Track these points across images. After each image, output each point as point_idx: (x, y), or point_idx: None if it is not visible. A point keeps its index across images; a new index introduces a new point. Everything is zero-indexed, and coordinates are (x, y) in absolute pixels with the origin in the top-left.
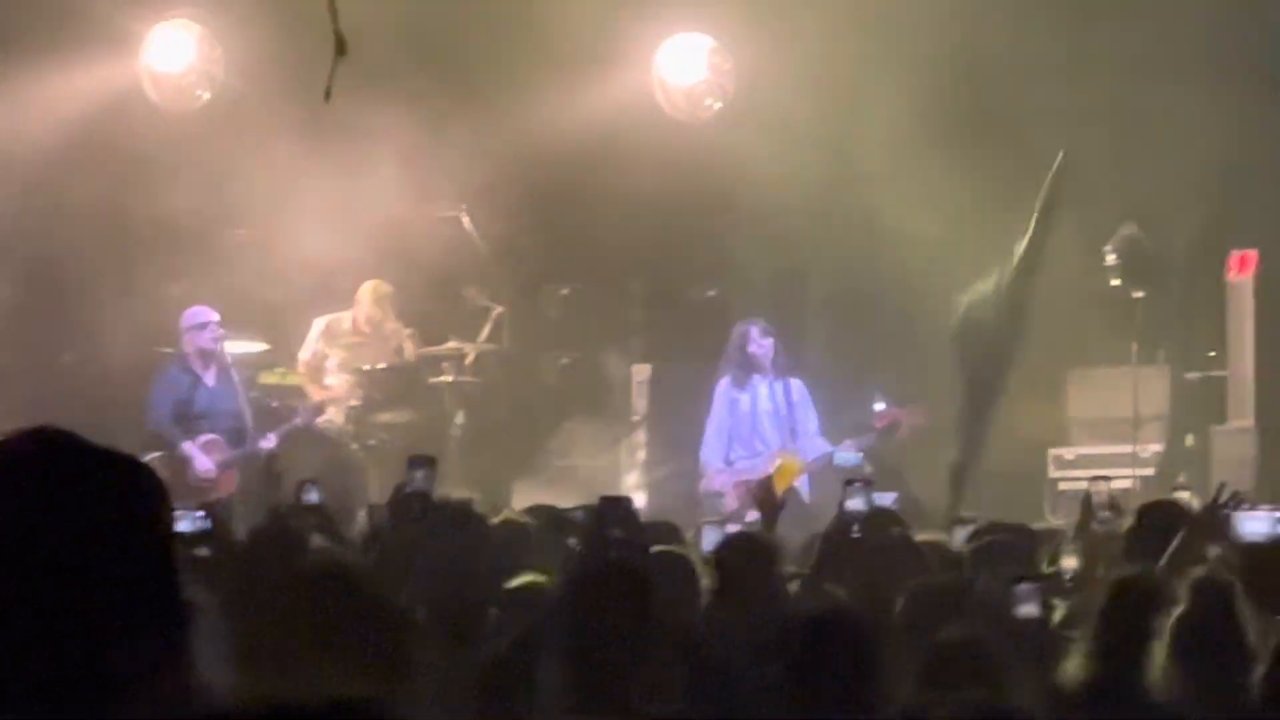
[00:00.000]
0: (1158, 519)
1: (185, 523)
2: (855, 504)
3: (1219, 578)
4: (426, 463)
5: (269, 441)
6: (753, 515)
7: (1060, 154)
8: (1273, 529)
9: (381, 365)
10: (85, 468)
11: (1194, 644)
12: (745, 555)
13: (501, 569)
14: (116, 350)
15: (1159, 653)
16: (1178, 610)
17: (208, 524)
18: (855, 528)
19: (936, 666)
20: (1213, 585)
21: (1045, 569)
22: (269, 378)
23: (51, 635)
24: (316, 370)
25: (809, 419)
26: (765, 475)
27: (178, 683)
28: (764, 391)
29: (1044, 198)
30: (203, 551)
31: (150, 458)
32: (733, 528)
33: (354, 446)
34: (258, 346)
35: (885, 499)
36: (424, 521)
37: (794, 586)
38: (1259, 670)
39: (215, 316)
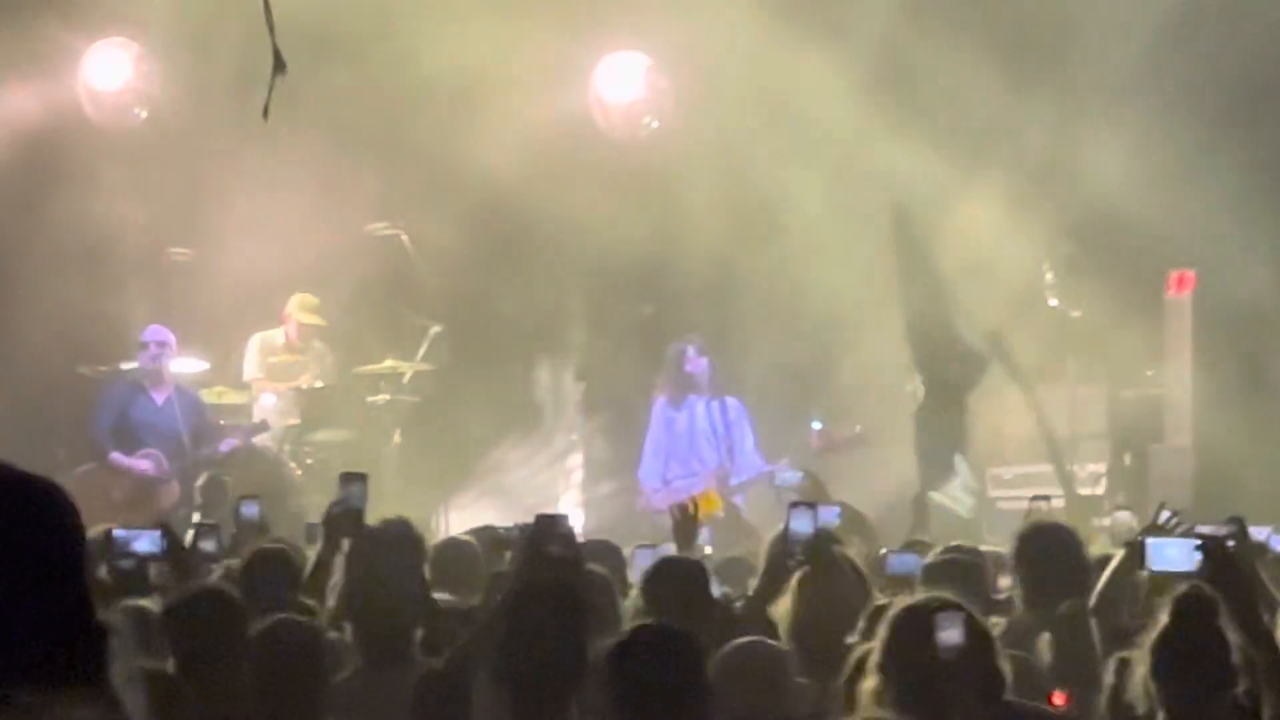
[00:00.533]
0: (1040, 543)
1: (144, 542)
2: (800, 526)
3: (1202, 594)
4: (359, 479)
5: (226, 446)
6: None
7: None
8: (1189, 559)
9: (318, 384)
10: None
11: (1175, 661)
12: (677, 579)
13: (440, 589)
14: (50, 368)
15: (1139, 669)
16: (1160, 626)
17: (165, 543)
18: (798, 550)
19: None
20: (1196, 602)
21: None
22: (208, 396)
23: None
24: (253, 389)
25: (746, 437)
26: (684, 503)
27: (91, 703)
28: (700, 410)
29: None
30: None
31: (83, 469)
32: (666, 549)
33: (292, 465)
34: (198, 365)
35: (828, 513)
36: (357, 539)
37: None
38: (1240, 687)
39: (159, 337)
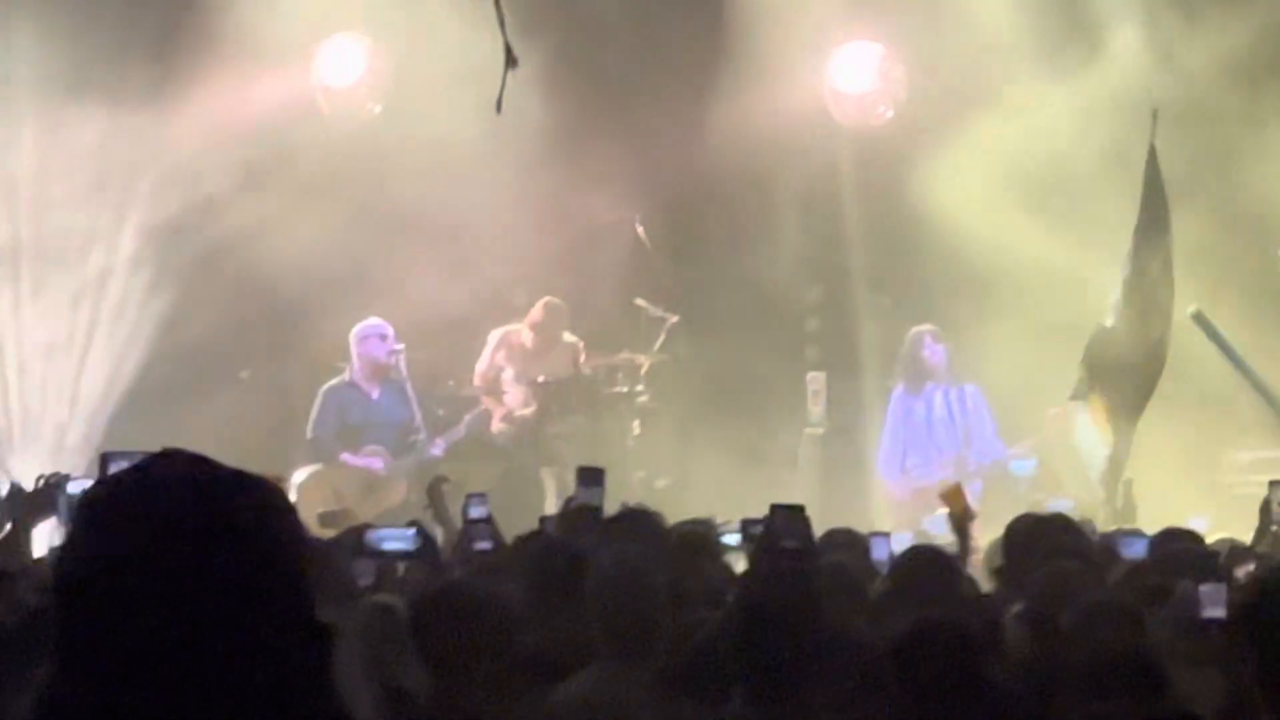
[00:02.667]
0: None
1: (396, 542)
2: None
3: None
4: (597, 476)
5: (437, 449)
6: (928, 522)
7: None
8: None
9: (557, 377)
10: (215, 490)
11: None
12: (926, 568)
13: (680, 578)
14: (293, 366)
15: None
16: None
17: (419, 542)
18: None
19: (1102, 675)
20: None
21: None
22: (441, 390)
23: (184, 659)
24: (493, 382)
25: (984, 425)
26: (955, 484)
27: (317, 705)
28: (938, 399)
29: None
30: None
31: (309, 472)
32: (905, 536)
33: (530, 458)
34: (432, 358)
35: (1061, 506)
36: (595, 535)
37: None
38: None
39: (389, 330)
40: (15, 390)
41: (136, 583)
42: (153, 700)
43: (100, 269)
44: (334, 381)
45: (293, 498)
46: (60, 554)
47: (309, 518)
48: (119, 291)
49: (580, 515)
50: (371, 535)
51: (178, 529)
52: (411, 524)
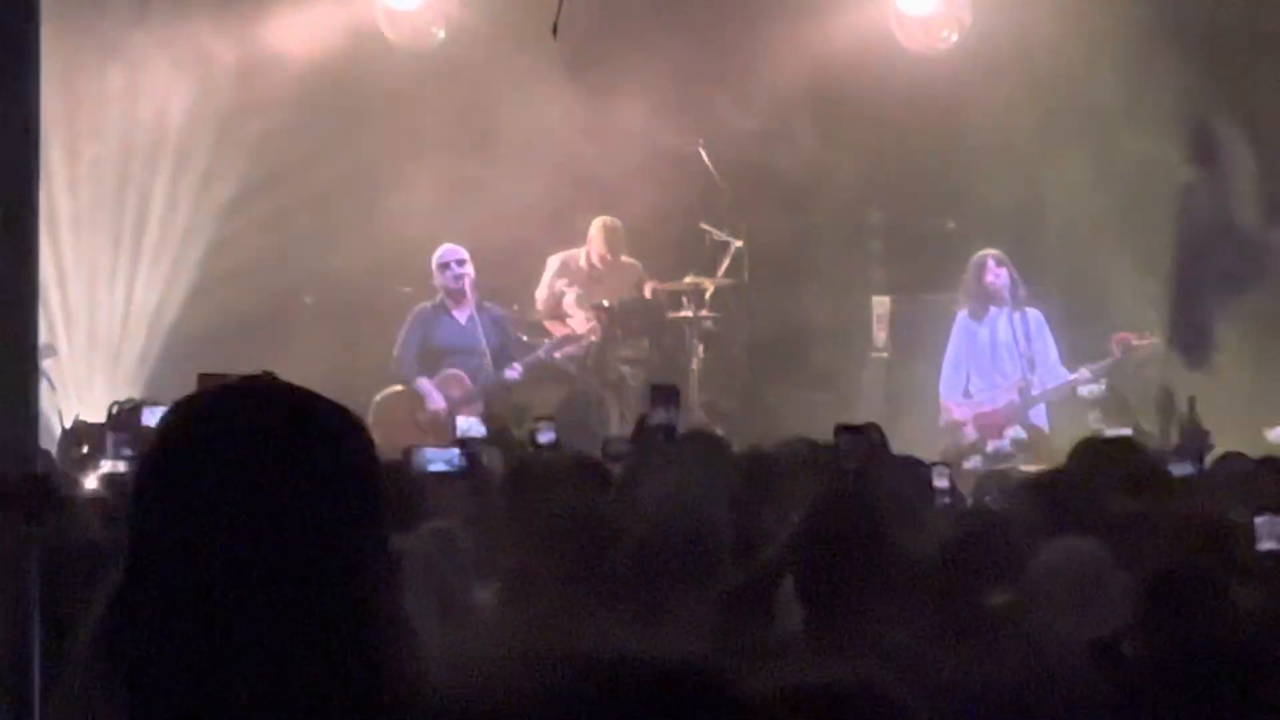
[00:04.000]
0: None
1: (440, 463)
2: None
3: None
4: (670, 394)
5: (514, 372)
6: (994, 444)
7: None
8: None
9: (619, 300)
10: (290, 414)
11: None
12: None
13: (747, 503)
14: (357, 290)
15: None
16: None
17: (464, 463)
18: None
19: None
20: None
21: None
22: (507, 315)
23: (251, 581)
24: (554, 307)
25: (1048, 349)
26: None
27: (388, 630)
28: (1002, 323)
29: None
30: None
31: (387, 393)
32: (974, 460)
33: (594, 382)
34: (495, 283)
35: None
36: (668, 454)
37: None
38: None
39: (458, 255)
40: (59, 315)
41: (214, 503)
42: (220, 620)
43: (140, 192)
44: (424, 303)
45: (370, 417)
46: (138, 469)
47: (384, 436)
48: (161, 215)
49: (655, 434)
50: (418, 456)
51: (261, 450)
52: (457, 443)
